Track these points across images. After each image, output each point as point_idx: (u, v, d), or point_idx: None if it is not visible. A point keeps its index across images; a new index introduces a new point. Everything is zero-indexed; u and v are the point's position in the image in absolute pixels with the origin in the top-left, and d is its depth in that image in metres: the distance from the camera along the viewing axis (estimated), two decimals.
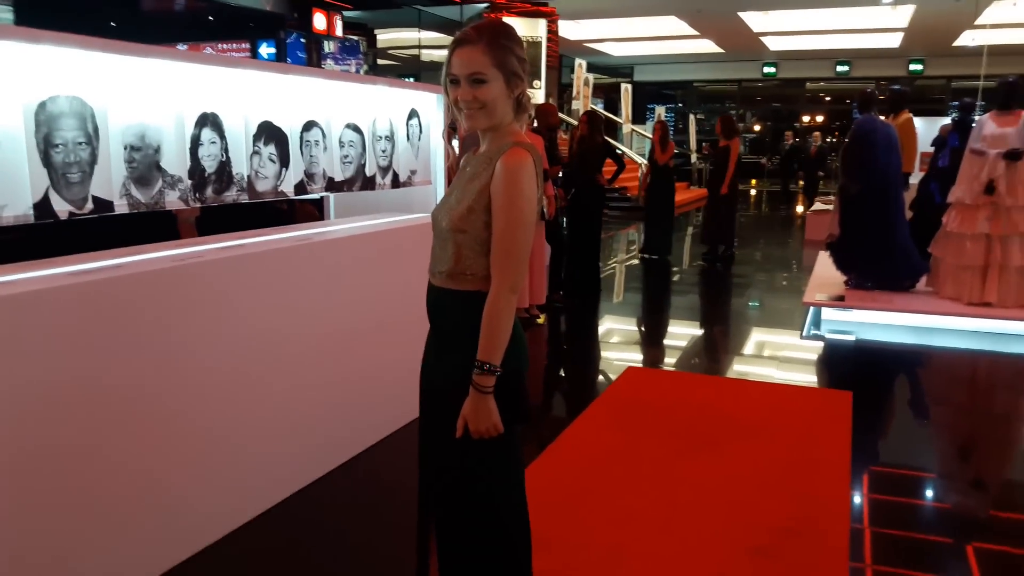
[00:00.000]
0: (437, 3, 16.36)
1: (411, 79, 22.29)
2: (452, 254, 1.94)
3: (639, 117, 23.55)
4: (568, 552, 2.87)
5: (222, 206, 3.28)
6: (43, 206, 2.49)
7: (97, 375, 2.38)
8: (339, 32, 14.92)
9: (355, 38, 15.90)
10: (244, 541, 2.92)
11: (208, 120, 3.08)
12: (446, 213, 1.98)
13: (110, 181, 2.70)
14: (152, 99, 2.85)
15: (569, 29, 18.02)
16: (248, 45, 14.12)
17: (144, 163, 2.82)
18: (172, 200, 2.96)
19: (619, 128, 19.98)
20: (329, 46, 14.17)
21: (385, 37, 19.27)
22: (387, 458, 3.68)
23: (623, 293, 8.51)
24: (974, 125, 6.87)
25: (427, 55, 19.71)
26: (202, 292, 2.75)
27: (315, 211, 6.26)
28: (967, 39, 17.47)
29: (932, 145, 8.52)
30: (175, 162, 2.95)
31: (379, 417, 3.79)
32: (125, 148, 2.75)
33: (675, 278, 9.53)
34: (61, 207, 2.54)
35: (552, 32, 14.42)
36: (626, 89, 20.54)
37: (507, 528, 2.05)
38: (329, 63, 14.03)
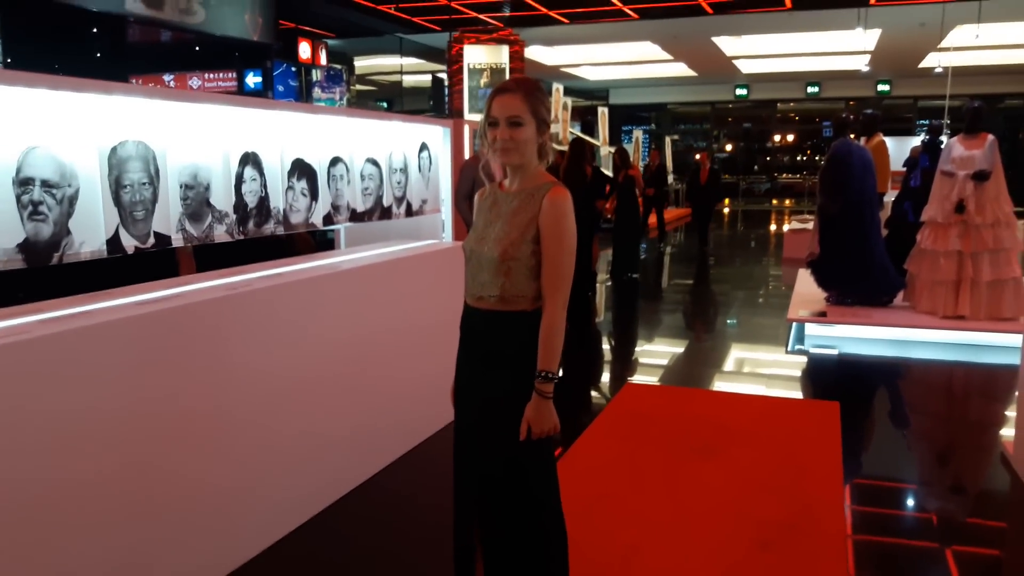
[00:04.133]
0: (415, 31, 16.70)
1: (384, 104, 22.66)
2: (503, 280, 2.20)
3: (615, 139, 24.00)
4: (589, 552, 3.11)
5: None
6: (114, 242, 2.72)
7: (169, 395, 2.61)
8: (323, 61, 15.20)
9: (339, 67, 16.20)
10: (288, 550, 3.14)
11: (250, 159, 3.33)
12: (494, 244, 2.24)
13: (168, 217, 2.94)
14: (203, 141, 3.10)
15: (545, 54, 18.44)
16: (235, 75, 14.33)
17: (197, 200, 3.07)
18: (220, 233, 3.21)
19: (596, 150, 20.40)
20: (316, 75, 14.43)
21: (362, 64, 19.64)
22: (421, 465, 3.92)
23: (606, 314, 8.79)
24: (943, 147, 7.27)
25: (408, 80, 20.10)
26: (252, 317, 2.98)
27: (311, 240, 6.50)
28: (932, 61, 18.11)
29: (904, 166, 8.93)
30: (222, 198, 3.20)
31: (412, 425, 4.04)
32: (181, 187, 2.99)
33: (651, 297, 9.84)
34: (128, 242, 2.78)
35: (517, 59, 14.78)
36: (602, 112, 20.99)
37: (550, 525, 2.31)
38: (316, 91, 14.29)
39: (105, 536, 2.40)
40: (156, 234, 2.89)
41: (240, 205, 3.30)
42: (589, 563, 3.01)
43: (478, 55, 14.42)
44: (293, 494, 3.27)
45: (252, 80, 14.24)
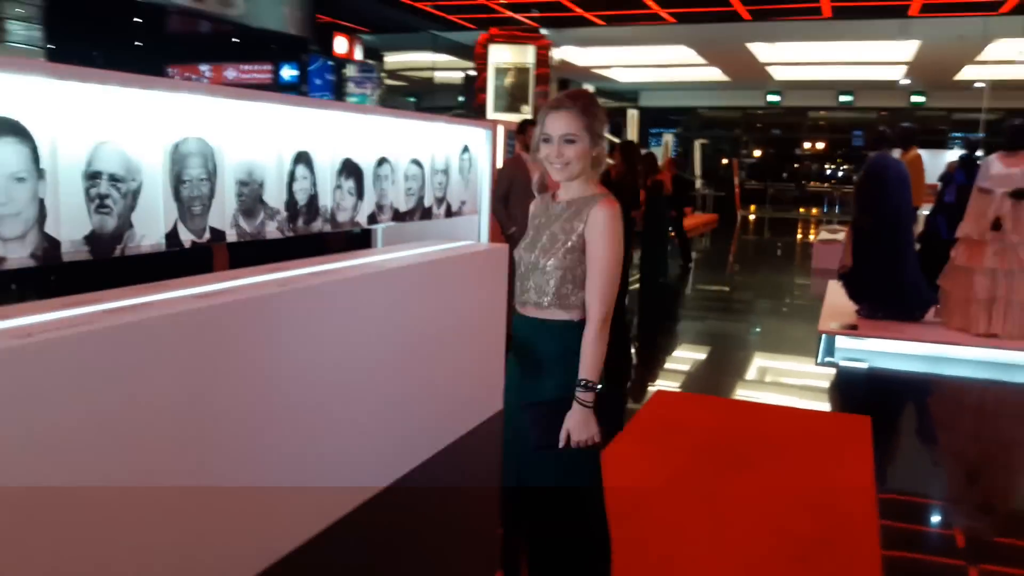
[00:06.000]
0: (448, 28, 16.77)
1: (413, 99, 22.78)
2: (554, 288, 2.24)
3: (644, 142, 23.97)
4: (622, 560, 3.14)
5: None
6: (172, 236, 2.79)
7: (220, 386, 2.67)
8: (359, 56, 15.30)
9: (372, 62, 16.30)
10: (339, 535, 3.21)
11: (302, 157, 3.39)
12: (541, 252, 2.28)
13: (223, 213, 3.01)
14: (259, 139, 3.16)
15: (577, 55, 18.44)
16: (271, 67, 14.44)
17: (251, 197, 3.13)
18: (271, 230, 3.27)
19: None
20: (350, 70, 14.53)
21: (393, 60, 19.75)
22: (461, 460, 3.99)
23: (634, 318, 8.82)
24: (980, 164, 7.22)
25: (439, 77, 20.19)
26: (301, 312, 3.04)
27: (343, 238, 6.57)
28: (969, 74, 17.93)
29: (939, 181, 8.87)
30: (275, 195, 3.26)
31: (451, 420, 4.11)
32: (236, 183, 3.06)
33: (679, 303, 9.85)
34: (186, 237, 2.85)
35: (542, 58, 14.79)
36: (632, 115, 20.98)
37: (595, 529, 2.35)
38: (350, 87, 14.39)
39: (159, 522, 2.47)
40: (212, 229, 2.96)
41: (291, 203, 3.36)
42: (623, 572, 3.05)
43: (504, 55, 14.48)
44: (337, 485, 3.32)
45: (288, 73, 14.35)
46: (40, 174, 2.31)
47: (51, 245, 2.37)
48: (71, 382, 2.15)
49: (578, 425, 2.19)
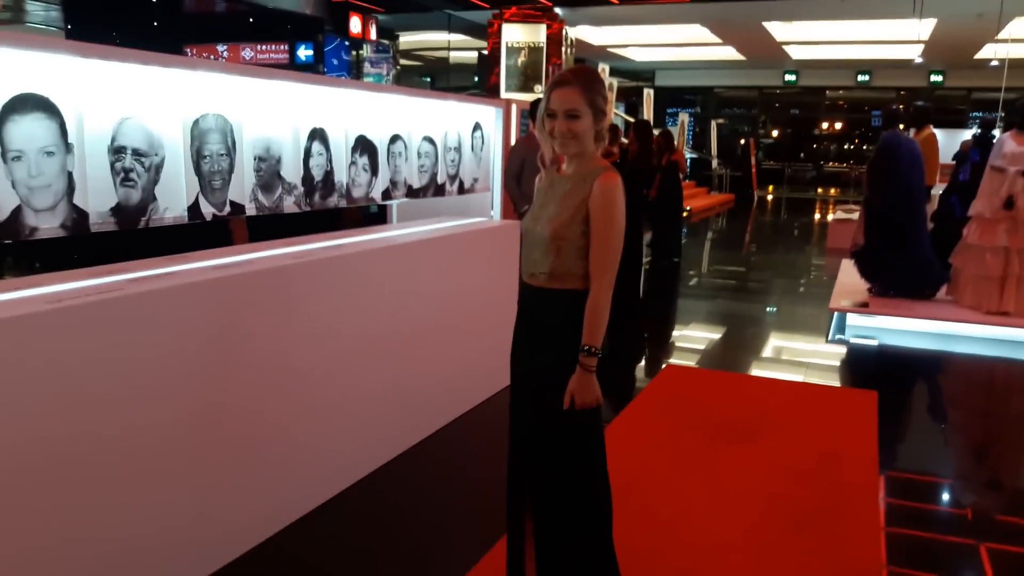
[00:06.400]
0: (463, 7, 16.77)
1: (428, 79, 22.76)
2: (554, 258, 2.33)
3: (660, 121, 23.91)
4: (627, 526, 3.24)
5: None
6: (194, 209, 2.90)
7: (238, 353, 2.79)
8: (373, 36, 15.35)
9: (386, 42, 16.35)
10: (342, 507, 3.33)
11: (317, 134, 3.49)
12: (546, 224, 2.36)
13: (243, 187, 3.11)
14: (275, 116, 3.25)
15: (592, 34, 18.40)
16: (287, 47, 14.54)
17: (269, 172, 3.23)
18: (288, 204, 3.37)
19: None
20: (366, 50, 14.59)
21: (408, 39, 19.76)
22: (472, 428, 4.10)
23: (647, 296, 8.88)
24: (995, 142, 7.22)
25: (454, 56, 20.18)
26: (317, 284, 3.15)
27: (359, 215, 6.68)
28: (988, 53, 17.75)
29: (953, 159, 8.86)
30: (292, 171, 3.36)
31: (464, 391, 4.22)
32: (254, 159, 3.16)
33: (692, 282, 9.90)
34: (207, 210, 2.96)
35: (555, 41, 14.76)
36: (648, 94, 20.91)
37: (598, 490, 2.45)
38: (366, 67, 14.46)
39: (175, 481, 2.59)
40: (232, 203, 3.06)
41: (307, 178, 3.46)
42: (627, 537, 3.14)
43: (516, 34, 14.47)
44: (350, 452, 3.45)
45: (303, 53, 14.44)
46: (68, 148, 2.41)
47: (80, 216, 2.48)
48: (98, 345, 2.27)
49: (581, 388, 2.28)
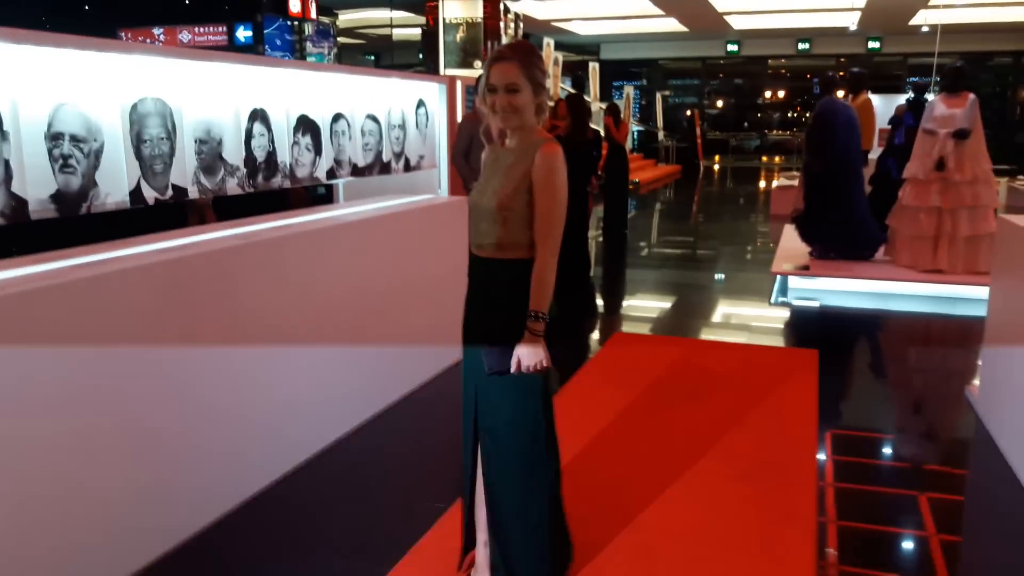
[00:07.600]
0: None
1: (372, 57, 22.51)
2: (500, 229, 2.40)
3: (606, 95, 24.03)
4: (579, 483, 3.35)
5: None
6: (136, 194, 2.90)
7: (185, 334, 2.81)
8: (313, 15, 15.15)
9: (327, 21, 16.14)
10: (279, 494, 3.38)
11: (258, 115, 3.50)
12: (492, 196, 2.43)
13: (184, 171, 3.12)
14: (215, 98, 3.26)
15: (536, 8, 18.37)
16: (225, 29, 14.29)
17: (210, 155, 3.24)
18: (232, 186, 3.38)
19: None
20: (307, 29, 14.40)
21: (350, 17, 19.52)
22: (427, 402, 4.17)
23: (597, 268, 9.01)
24: (926, 106, 7.45)
25: (398, 34, 20.00)
26: (264, 264, 3.17)
27: (305, 194, 6.68)
28: (922, 19, 18.15)
29: (889, 123, 9.10)
30: (234, 153, 3.37)
31: (416, 366, 4.27)
32: (195, 142, 3.16)
33: (642, 253, 10.06)
34: (149, 194, 2.96)
35: (492, 15, 14.68)
36: (594, 68, 20.98)
37: (545, 449, 2.54)
38: (308, 46, 14.28)
39: (129, 465, 2.62)
40: (174, 186, 3.07)
41: (250, 159, 3.47)
42: (579, 493, 3.25)
43: (454, 10, 14.40)
44: (302, 430, 3.49)
45: (242, 34, 14.22)
46: (3, 136, 2.40)
47: (18, 204, 2.48)
48: (43, 334, 2.28)
49: (528, 352, 2.36)
